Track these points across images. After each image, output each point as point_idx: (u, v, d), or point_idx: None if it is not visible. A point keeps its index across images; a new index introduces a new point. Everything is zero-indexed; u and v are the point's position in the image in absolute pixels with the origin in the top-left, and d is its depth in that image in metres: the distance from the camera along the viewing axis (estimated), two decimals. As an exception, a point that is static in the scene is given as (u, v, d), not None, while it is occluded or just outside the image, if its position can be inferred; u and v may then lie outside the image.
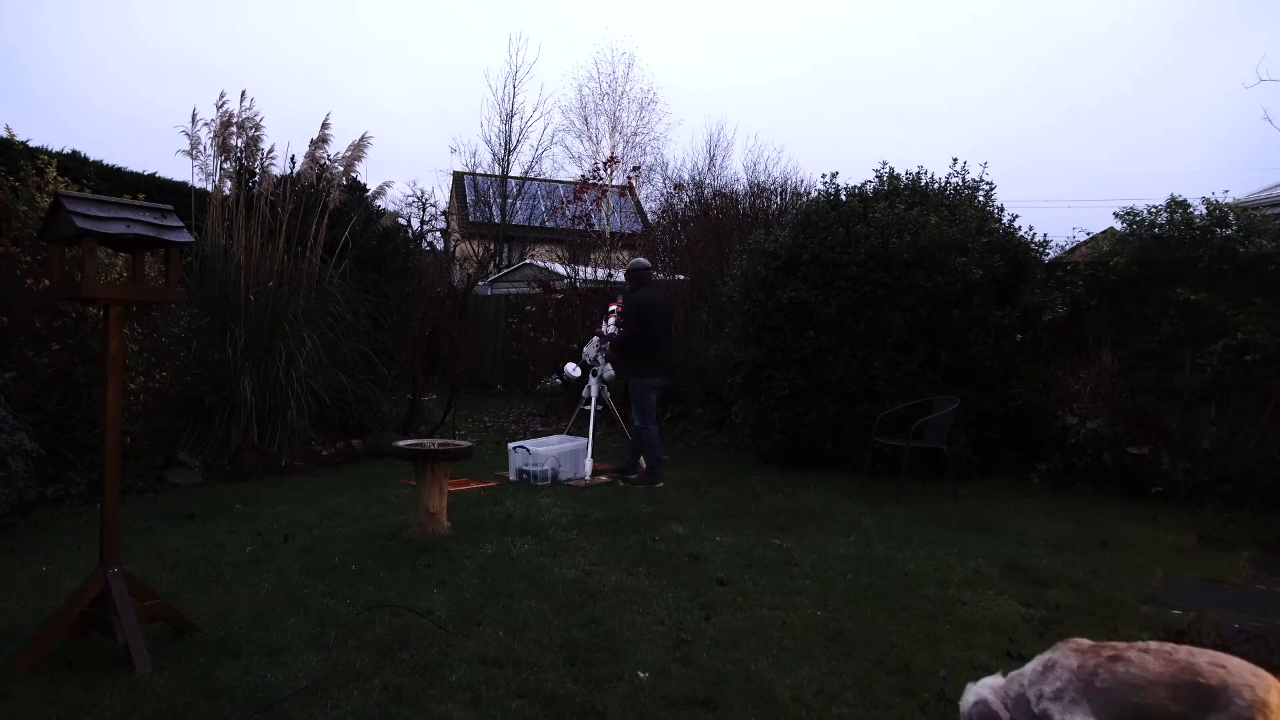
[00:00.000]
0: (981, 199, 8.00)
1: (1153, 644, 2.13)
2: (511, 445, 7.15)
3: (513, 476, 6.97)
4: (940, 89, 51.24)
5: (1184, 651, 2.07)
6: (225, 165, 7.65)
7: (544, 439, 7.61)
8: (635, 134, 22.75)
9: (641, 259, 7.46)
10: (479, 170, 23.84)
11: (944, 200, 7.83)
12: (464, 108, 50.59)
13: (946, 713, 2.96)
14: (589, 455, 7.12)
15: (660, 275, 11.90)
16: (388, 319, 9.03)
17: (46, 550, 4.69)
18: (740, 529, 5.43)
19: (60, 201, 3.22)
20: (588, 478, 7.00)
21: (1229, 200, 7.04)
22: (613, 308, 7.53)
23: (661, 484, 6.80)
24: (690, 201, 13.63)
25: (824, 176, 8.44)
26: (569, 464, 7.10)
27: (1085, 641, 2.22)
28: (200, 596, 3.94)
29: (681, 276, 11.49)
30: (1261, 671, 2.01)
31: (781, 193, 12.71)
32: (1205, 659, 2.03)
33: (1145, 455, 6.50)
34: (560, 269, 14.08)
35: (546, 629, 3.62)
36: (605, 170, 16.31)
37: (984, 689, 2.31)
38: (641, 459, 7.15)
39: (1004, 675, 2.31)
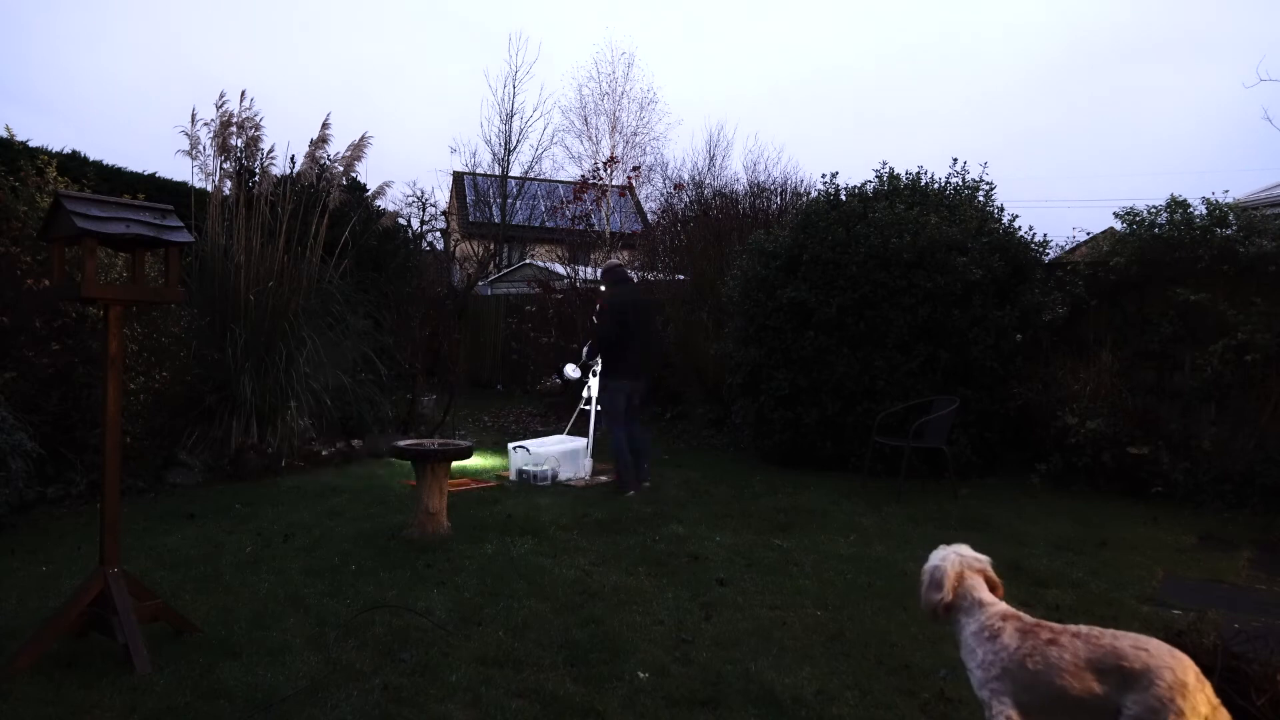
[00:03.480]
0: (981, 199, 8.00)
1: (1083, 628, 2.19)
2: (511, 445, 7.14)
3: (513, 476, 6.97)
4: (941, 90, 51.29)
5: (1109, 635, 2.14)
6: (225, 165, 7.65)
7: (544, 439, 7.60)
8: (635, 134, 22.75)
9: (615, 260, 7.31)
10: (479, 170, 23.85)
11: (944, 200, 7.83)
12: (464, 108, 50.63)
13: (946, 713, 2.96)
14: (589, 455, 7.12)
15: (660, 275, 11.91)
16: (388, 319, 9.03)
17: (46, 550, 4.68)
18: (740, 529, 5.43)
19: (60, 201, 3.22)
20: (588, 478, 7.00)
21: (1229, 200, 7.04)
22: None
23: (632, 493, 6.35)
24: (690, 201, 13.63)
25: (824, 176, 8.45)
26: (569, 464, 7.10)
27: (1028, 619, 2.29)
28: (200, 596, 3.94)
29: (681, 276, 11.48)
30: (1180, 654, 2.08)
31: (781, 193, 12.71)
32: (1128, 642, 2.11)
33: (1145, 455, 6.50)
34: (560, 269, 14.09)
35: (546, 629, 3.62)
36: (605, 170, 16.31)
37: (950, 559, 2.58)
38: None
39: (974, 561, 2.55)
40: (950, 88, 53.47)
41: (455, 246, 19.12)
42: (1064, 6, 59.06)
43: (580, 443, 7.26)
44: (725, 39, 45.19)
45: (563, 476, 6.99)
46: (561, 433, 8.02)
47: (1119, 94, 55.62)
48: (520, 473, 6.91)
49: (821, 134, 43.90)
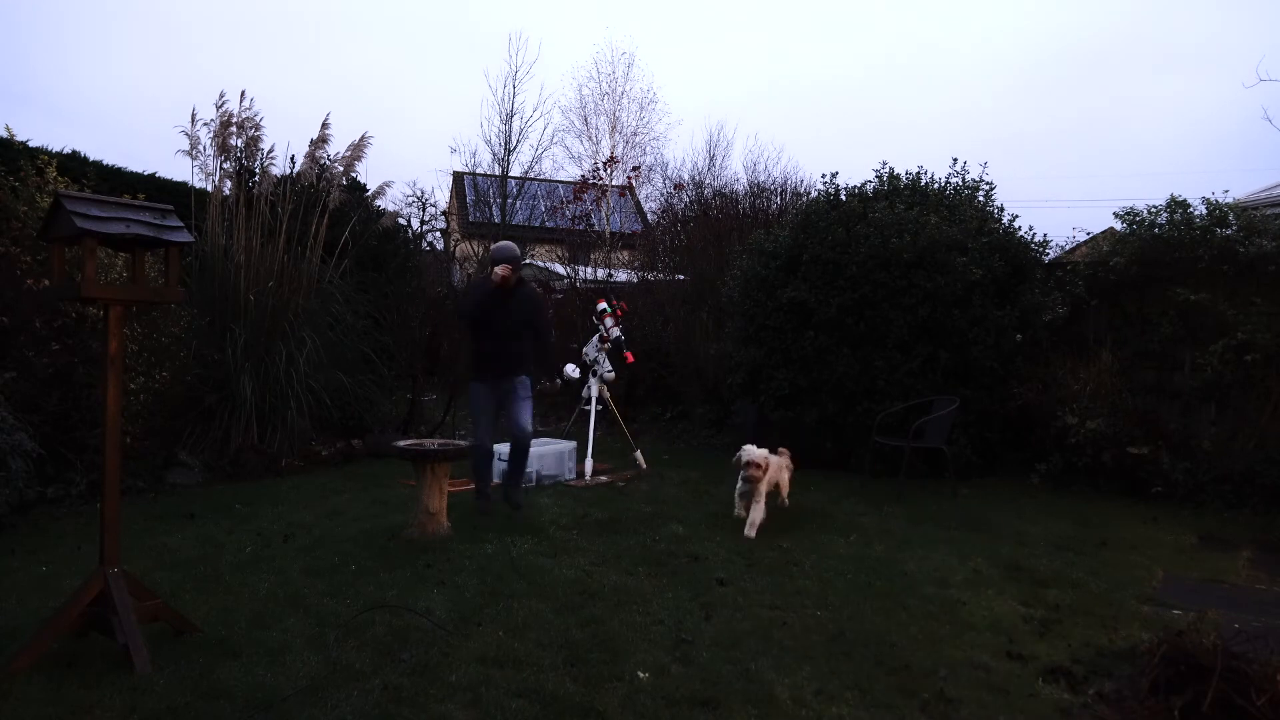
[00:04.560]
0: (981, 199, 7.99)
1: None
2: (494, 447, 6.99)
3: (495, 478, 6.86)
4: (941, 88, 51.30)
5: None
6: (225, 165, 7.65)
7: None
8: (635, 134, 22.72)
9: (503, 243, 5.78)
10: (479, 170, 23.81)
11: (944, 200, 7.83)
12: (464, 108, 50.61)
13: (946, 713, 2.96)
14: (589, 455, 7.10)
15: (660, 275, 11.92)
16: (388, 319, 9.02)
17: (46, 550, 4.68)
18: (740, 529, 5.43)
19: (60, 201, 3.22)
20: (588, 478, 6.99)
21: (1229, 200, 7.04)
22: (601, 306, 7.50)
23: (483, 511, 5.64)
24: (690, 201, 13.63)
25: (824, 176, 8.45)
26: (553, 465, 7.01)
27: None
28: (200, 596, 3.94)
29: (681, 276, 11.49)
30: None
31: (781, 193, 12.72)
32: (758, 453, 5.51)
33: (1145, 455, 6.50)
34: (560, 269, 14.09)
35: (546, 629, 3.62)
36: (605, 170, 16.33)
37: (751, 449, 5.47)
38: (639, 455, 7.12)
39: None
40: (950, 90, 53.51)
41: (455, 246, 19.12)
42: (1062, 12, 59.09)
43: (565, 445, 7.19)
44: (724, 40, 45.21)
45: (546, 480, 6.90)
46: (562, 433, 8.00)
47: (1119, 95, 55.64)
48: (505, 475, 6.82)
49: (821, 134, 43.92)
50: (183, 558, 4.57)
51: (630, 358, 7.46)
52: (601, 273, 12.85)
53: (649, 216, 19.70)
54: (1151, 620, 3.82)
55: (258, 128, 7.70)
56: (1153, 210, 7.10)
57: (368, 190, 10.84)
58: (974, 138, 50.02)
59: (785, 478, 5.86)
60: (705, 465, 7.81)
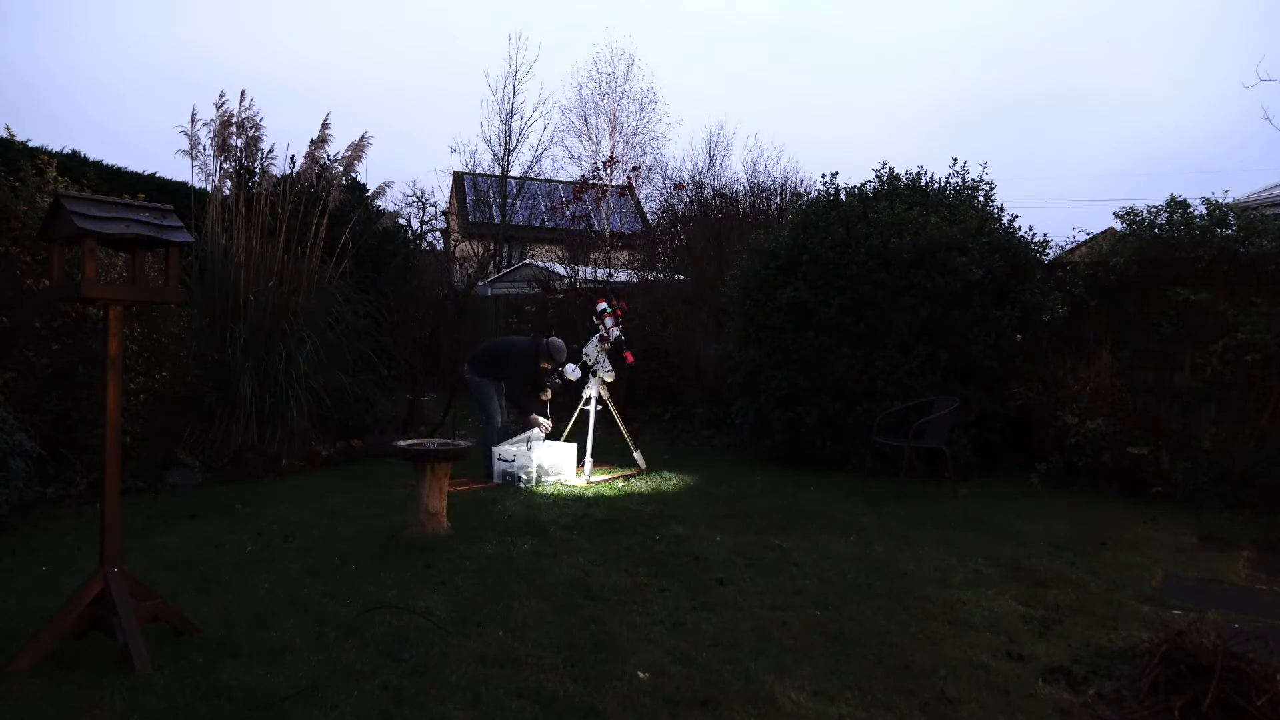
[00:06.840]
0: (981, 199, 7.99)
1: None
2: (495, 449, 7.06)
3: (496, 479, 6.91)
4: (942, 86, 51.30)
5: None
6: (225, 165, 7.65)
7: (529, 441, 7.49)
8: (635, 134, 22.74)
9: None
10: (479, 170, 23.81)
11: (944, 200, 7.82)
12: (464, 108, 50.62)
13: (946, 713, 2.96)
14: (589, 455, 7.11)
15: (660, 275, 11.93)
16: (388, 319, 9.02)
17: (46, 550, 4.69)
18: (740, 529, 5.43)
19: (60, 201, 3.22)
20: (588, 478, 6.99)
21: (1229, 200, 7.04)
22: (601, 306, 7.50)
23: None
24: (690, 201, 13.63)
25: (824, 176, 8.44)
26: (552, 466, 7.01)
27: None
28: (200, 596, 3.94)
29: (681, 276, 11.49)
30: None
31: (781, 193, 12.73)
32: None
33: (1145, 455, 6.50)
34: (560, 269, 14.09)
35: (546, 629, 3.62)
36: (605, 170, 16.32)
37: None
38: (639, 456, 7.11)
39: None
40: (950, 84, 53.52)
41: (455, 246, 19.10)
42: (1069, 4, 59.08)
43: (565, 446, 7.20)
44: (726, 36, 45.20)
45: (549, 479, 6.94)
46: (562, 434, 8.00)
47: (1119, 93, 55.64)
48: (504, 475, 6.86)
49: (822, 132, 43.91)
50: (183, 558, 4.57)
51: (630, 358, 7.46)
52: (601, 273, 12.84)
53: (649, 216, 19.69)
54: (1151, 620, 3.82)
55: (258, 128, 7.70)
56: (1153, 210, 7.10)
57: (368, 190, 10.83)
58: (974, 135, 50.01)
59: None
60: (705, 465, 7.81)
